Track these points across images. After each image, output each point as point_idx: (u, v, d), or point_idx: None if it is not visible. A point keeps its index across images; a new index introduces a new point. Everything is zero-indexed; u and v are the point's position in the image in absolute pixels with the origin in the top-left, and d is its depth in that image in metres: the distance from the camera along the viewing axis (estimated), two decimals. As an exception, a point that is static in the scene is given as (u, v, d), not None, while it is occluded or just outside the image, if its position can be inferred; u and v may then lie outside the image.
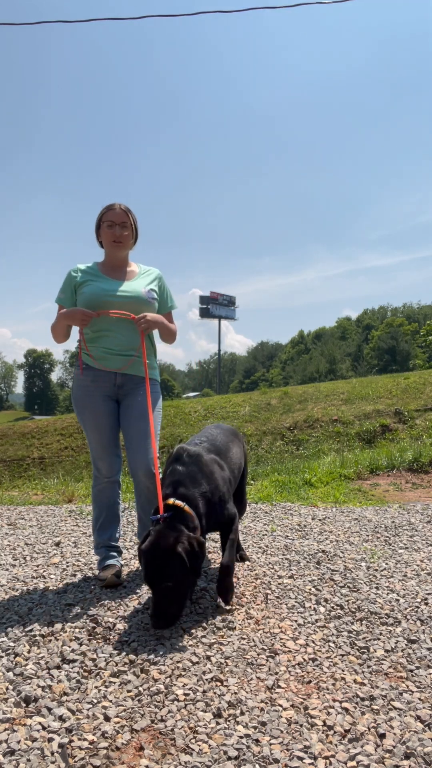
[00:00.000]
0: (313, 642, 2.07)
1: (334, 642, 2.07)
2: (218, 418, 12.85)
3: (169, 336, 2.84)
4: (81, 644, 2.03)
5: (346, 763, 1.41)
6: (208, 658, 1.93)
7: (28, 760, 1.40)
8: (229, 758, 1.42)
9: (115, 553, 2.79)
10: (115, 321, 2.64)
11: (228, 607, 2.35)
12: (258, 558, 3.04)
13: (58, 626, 2.19)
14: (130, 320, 2.66)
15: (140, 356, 2.69)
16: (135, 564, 3.00)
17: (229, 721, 1.58)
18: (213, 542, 3.31)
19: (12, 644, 2.03)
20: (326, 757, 1.43)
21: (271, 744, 1.48)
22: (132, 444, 2.61)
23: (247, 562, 2.96)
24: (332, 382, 16.54)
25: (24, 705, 1.64)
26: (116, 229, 2.71)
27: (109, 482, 2.78)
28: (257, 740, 1.49)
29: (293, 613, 2.32)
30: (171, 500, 2.27)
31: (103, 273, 2.74)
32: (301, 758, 1.42)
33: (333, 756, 1.44)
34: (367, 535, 3.54)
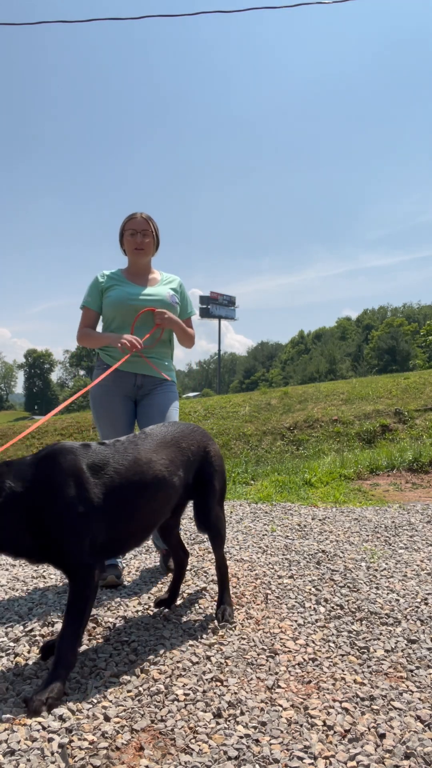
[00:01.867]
0: (313, 642, 2.07)
1: (334, 642, 2.07)
2: (218, 418, 12.85)
3: (187, 340, 2.98)
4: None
5: (346, 763, 1.41)
6: (208, 658, 1.93)
7: (28, 760, 1.40)
8: (229, 758, 1.42)
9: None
10: (137, 325, 2.75)
11: None
12: (258, 558, 3.04)
13: (58, 626, 2.19)
14: (151, 324, 2.76)
15: (160, 358, 2.84)
16: (134, 564, 3.00)
17: (229, 721, 1.58)
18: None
19: (12, 644, 2.03)
20: (326, 757, 1.43)
21: (271, 744, 1.48)
22: None
23: (247, 563, 2.96)
24: (332, 382, 16.53)
25: (24, 705, 1.64)
26: (138, 236, 2.85)
27: None
28: (257, 740, 1.49)
29: (293, 613, 2.32)
30: None
31: (127, 279, 2.88)
32: (301, 758, 1.42)
33: (333, 756, 1.44)
34: (367, 535, 3.54)
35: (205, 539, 3.37)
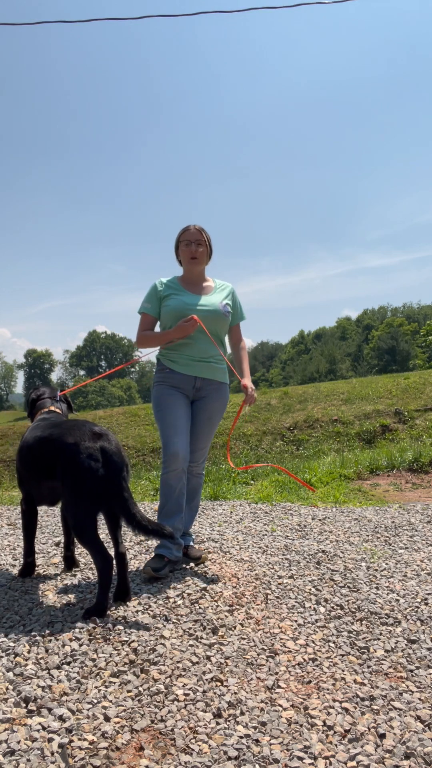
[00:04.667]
0: (313, 642, 2.07)
1: (334, 642, 2.07)
2: (218, 418, 12.84)
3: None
4: (81, 644, 2.03)
5: (346, 763, 1.41)
6: (208, 658, 1.93)
7: (28, 760, 1.40)
8: (229, 758, 1.42)
9: (169, 543, 2.81)
10: (195, 333, 2.93)
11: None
12: (258, 558, 3.04)
13: (58, 626, 2.19)
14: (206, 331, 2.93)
15: (217, 362, 3.02)
16: (135, 564, 3.00)
17: (229, 721, 1.58)
18: (212, 542, 3.31)
19: (12, 644, 2.03)
20: (326, 757, 1.43)
21: (271, 744, 1.48)
22: (192, 442, 2.98)
23: (247, 563, 2.96)
24: (332, 382, 16.52)
25: (24, 705, 1.65)
26: (192, 246, 3.02)
27: (179, 472, 2.87)
28: (257, 740, 1.49)
29: (293, 613, 2.32)
30: None
31: (183, 287, 3.04)
32: (301, 758, 1.42)
33: (333, 756, 1.44)
34: (367, 535, 3.54)
35: (205, 540, 3.37)
